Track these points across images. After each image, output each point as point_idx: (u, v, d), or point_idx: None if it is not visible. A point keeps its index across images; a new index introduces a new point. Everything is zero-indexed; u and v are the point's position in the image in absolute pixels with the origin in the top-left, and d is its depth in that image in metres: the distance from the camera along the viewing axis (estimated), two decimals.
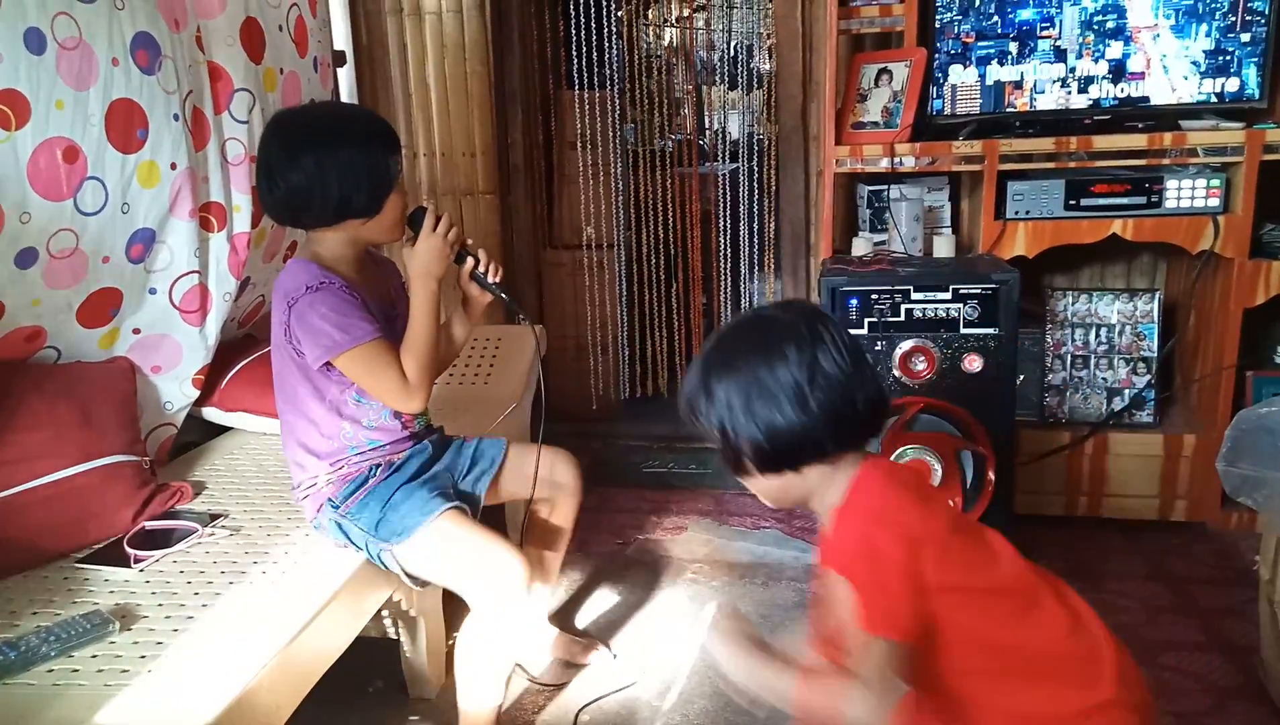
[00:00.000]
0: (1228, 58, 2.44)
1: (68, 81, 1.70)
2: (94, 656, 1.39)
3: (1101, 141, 2.44)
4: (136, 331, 2.04)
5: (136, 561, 1.67)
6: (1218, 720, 1.82)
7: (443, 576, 1.71)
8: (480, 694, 1.69)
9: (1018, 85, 2.57)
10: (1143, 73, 2.50)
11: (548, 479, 1.93)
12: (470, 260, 1.72)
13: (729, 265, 3.82)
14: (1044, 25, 2.52)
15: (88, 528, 1.75)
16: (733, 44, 4.05)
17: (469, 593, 1.66)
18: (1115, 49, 2.50)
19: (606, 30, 3.49)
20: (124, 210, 1.88)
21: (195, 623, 1.48)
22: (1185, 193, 2.44)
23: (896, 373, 2.30)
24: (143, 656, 1.39)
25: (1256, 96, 2.44)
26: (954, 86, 2.60)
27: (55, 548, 1.71)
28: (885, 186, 2.70)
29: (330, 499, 1.70)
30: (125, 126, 1.83)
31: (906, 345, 2.29)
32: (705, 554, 2.59)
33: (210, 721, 1.24)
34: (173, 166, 1.95)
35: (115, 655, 1.39)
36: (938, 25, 2.57)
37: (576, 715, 1.89)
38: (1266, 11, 2.38)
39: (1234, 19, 2.41)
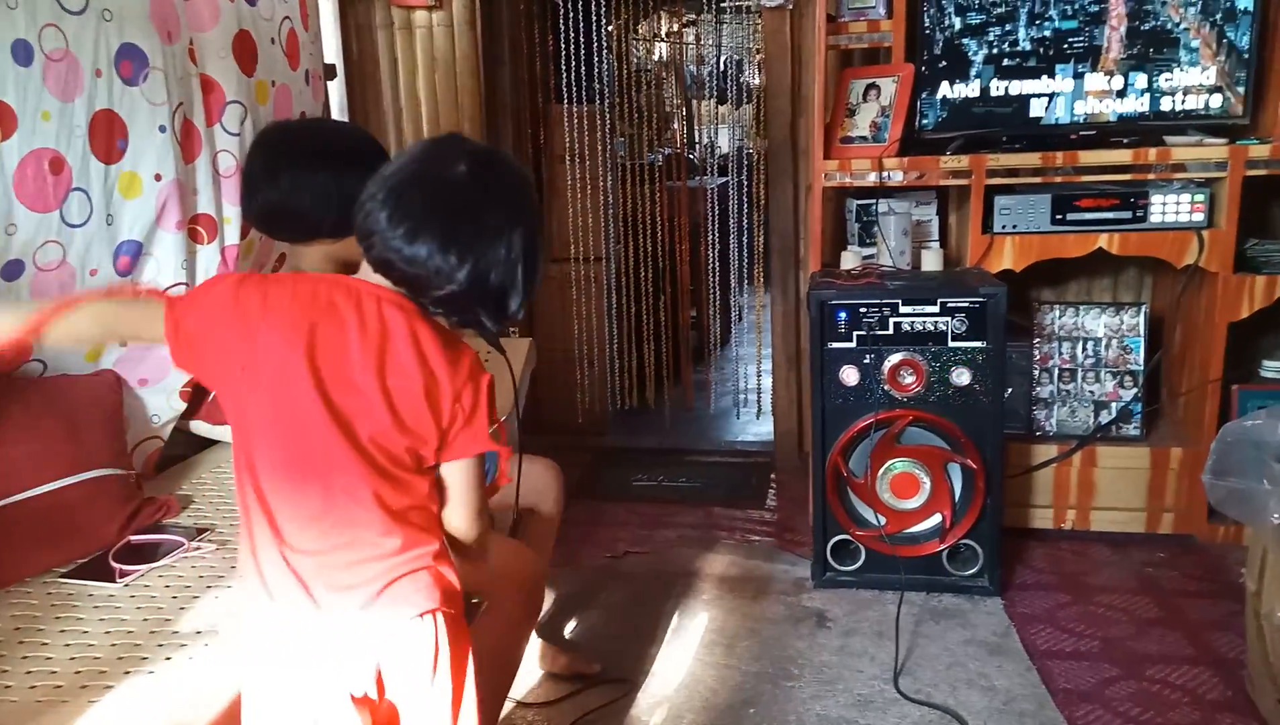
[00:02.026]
0: (1211, 73, 2.47)
1: (54, 92, 1.70)
2: (77, 673, 1.38)
3: (1087, 157, 2.46)
4: (123, 344, 2.03)
5: (121, 576, 1.65)
6: None
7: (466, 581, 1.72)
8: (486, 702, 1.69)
9: (1004, 100, 2.59)
10: (1127, 88, 2.52)
11: (532, 487, 1.94)
12: None
13: (718, 278, 3.83)
14: (1031, 42, 2.55)
15: (73, 542, 1.74)
16: (722, 59, 4.08)
17: (495, 595, 1.66)
18: (1102, 65, 2.52)
19: (597, 45, 3.50)
20: (108, 221, 1.88)
21: (180, 636, 1.46)
22: (1170, 207, 2.46)
23: (885, 386, 2.31)
24: (127, 673, 1.38)
25: (1240, 112, 2.47)
26: (941, 101, 2.62)
27: (40, 562, 1.69)
28: (874, 200, 2.71)
29: None
30: (106, 137, 1.83)
31: (895, 358, 2.30)
32: (695, 567, 2.58)
33: None
34: (157, 178, 1.95)
35: (99, 671, 1.38)
36: (925, 41, 2.60)
37: None
38: (1250, 26, 2.41)
39: (1217, 34, 2.44)
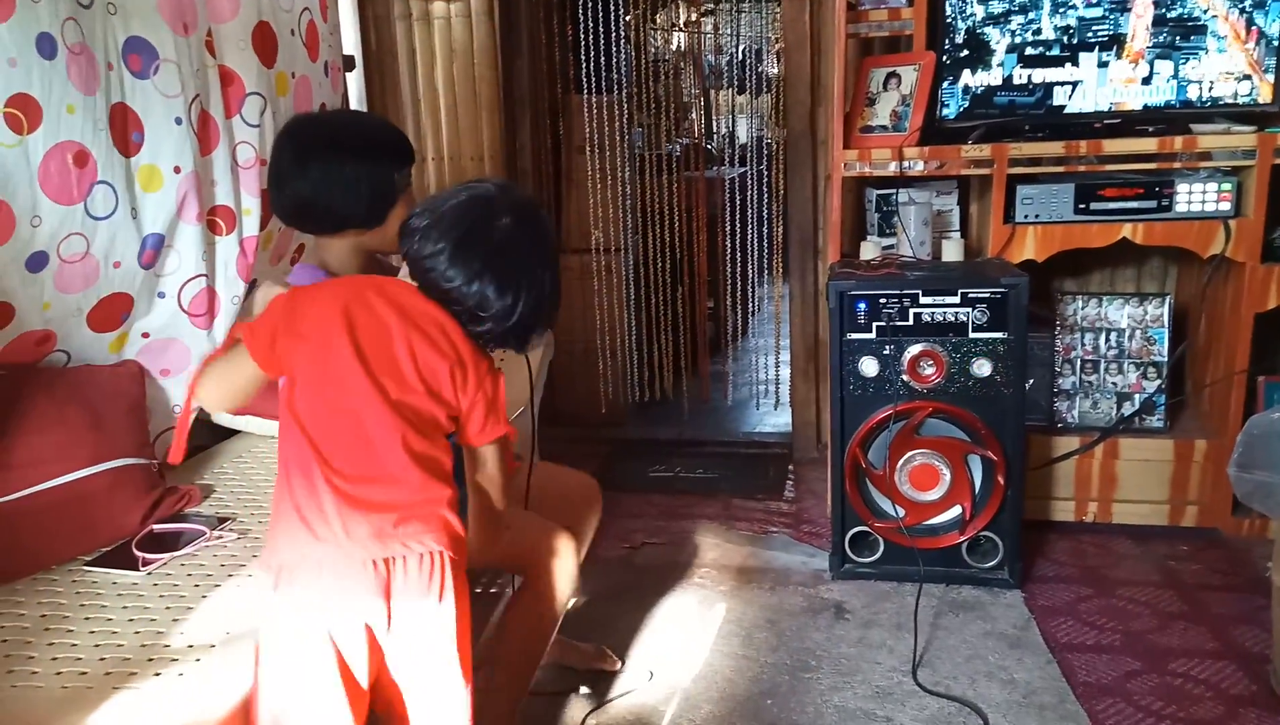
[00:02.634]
0: (1239, 60, 2.42)
1: (77, 86, 1.71)
2: (102, 659, 1.39)
3: (1111, 145, 2.43)
4: (145, 335, 2.05)
5: (144, 564, 1.68)
6: None
7: (499, 559, 1.74)
8: (522, 668, 1.72)
9: (1027, 89, 2.56)
10: (1153, 76, 2.49)
11: (570, 503, 1.93)
12: None
13: (736, 269, 3.82)
14: (1055, 30, 2.51)
15: (96, 531, 1.76)
16: (741, 48, 4.06)
17: (526, 570, 1.70)
18: (1126, 52, 2.49)
19: (614, 35, 3.49)
20: (133, 215, 1.89)
21: (202, 625, 1.48)
22: (1196, 196, 2.43)
23: (905, 377, 2.29)
24: (150, 659, 1.39)
25: (1269, 100, 2.43)
26: (963, 90, 2.60)
27: (64, 550, 1.71)
28: (894, 190, 2.69)
29: None
30: (122, 130, 1.84)
31: (915, 349, 2.28)
32: (712, 558, 2.58)
33: (218, 722, 1.25)
34: (176, 170, 1.96)
35: (123, 659, 1.40)
36: (947, 24, 2.57)
37: (584, 720, 1.89)
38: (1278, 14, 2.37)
39: (1246, 21, 2.40)
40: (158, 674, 1.36)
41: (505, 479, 1.38)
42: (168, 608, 1.54)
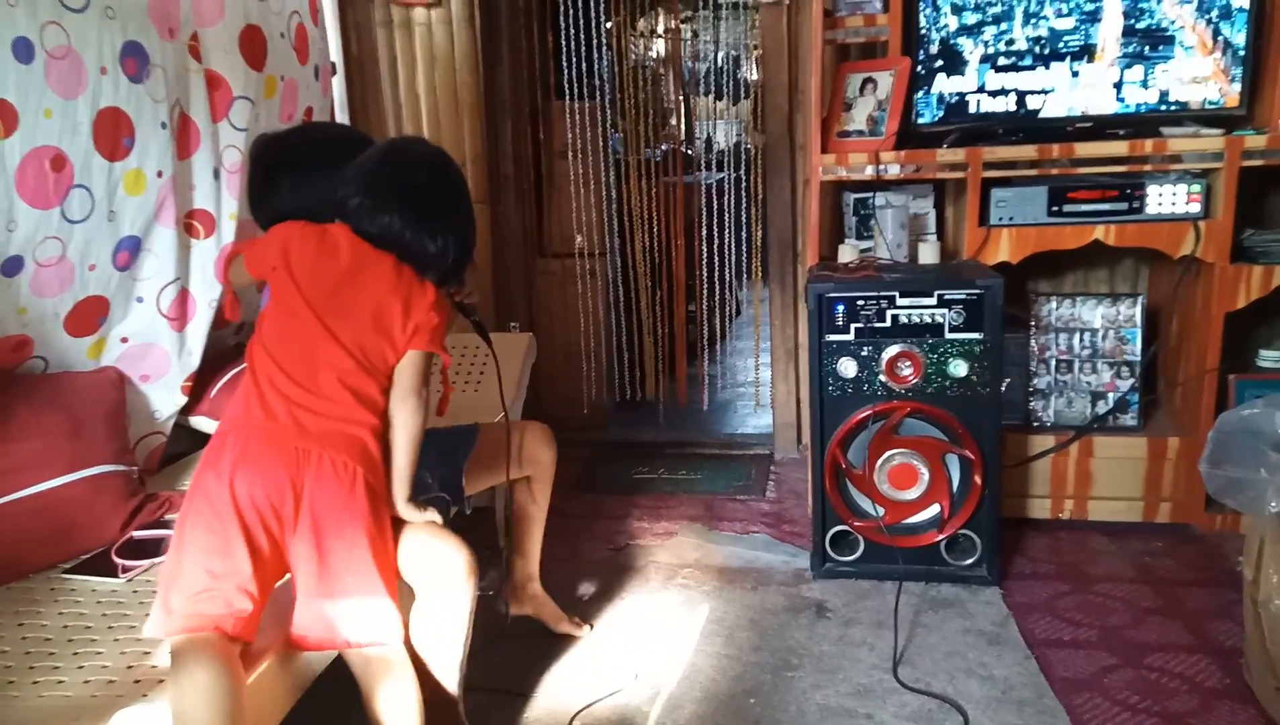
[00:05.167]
0: (1207, 68, 2.47)
1: (56, 90, 1.71)
2: (80, 668, 1.39)
3: (1084, 149, 2.47)
4: (124, 340, 2.04)
5: (124, 571, 1.67)
6: (1203, 721, 1.83)
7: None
8: (440, 682, 1.65)
9: (1001, 93, 2.60)
10: (1123, 83, 2.53)
11: (523, 452, 2.02)
12: None
13: (716, 272, 3.84)
14: (1027, 40, 2.55)
15: (75, 538, 1.75)
16: (720, 55, 4.09)
17: (415, 583, 1.63)
18: (1098, 57, 2.53)
19: (595, 41, 3.51)
20: (110, 217, 1.89)
21: None
22: (1166, 198, 2.47)
23: (883, 378, 2.32)
24: (130, 667, 1.39)
25: (1236, 105, 2.47)
26: (938, 95, 2.63)
27: (43, 558, 1.70)
28: (871, 194, 2.72)
29: None
30: (112, 135, 1.83)
31: (892, 350, 2.31)
32: (695, 559, 2.60)
33: None
34: (159, 174, 1.96)
35: (102, 666, 1.39)
36: (921, 34, 2.60)
37: (571, 721, 1.89)
38: (1245, 24, 2.42)
39: (1213, 31, 2.45)
40: (137, 681, 1.35)
41: (416, 381, 1.55)
42: (148, 614, 1.52)
